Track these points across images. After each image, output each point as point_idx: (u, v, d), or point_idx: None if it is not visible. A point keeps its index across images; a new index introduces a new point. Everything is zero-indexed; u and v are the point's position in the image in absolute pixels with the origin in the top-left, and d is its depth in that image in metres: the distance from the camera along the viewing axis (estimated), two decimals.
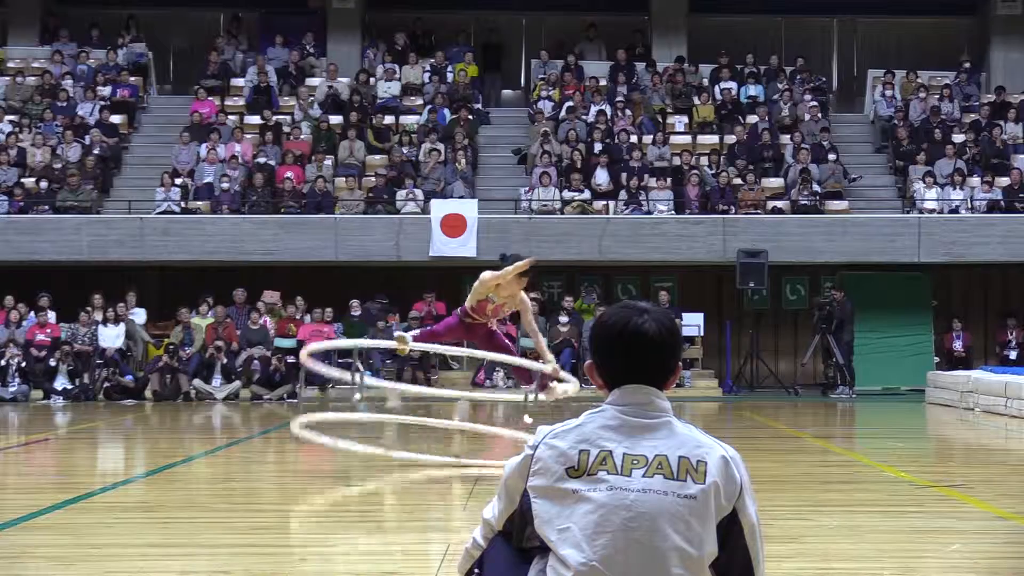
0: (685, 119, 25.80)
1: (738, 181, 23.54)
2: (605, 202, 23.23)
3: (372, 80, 26.35)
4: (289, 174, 23.39)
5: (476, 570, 3.42)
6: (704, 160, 24.35)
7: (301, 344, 21.47)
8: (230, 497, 9.27)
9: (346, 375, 10.86)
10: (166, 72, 29.47)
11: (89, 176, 23.34)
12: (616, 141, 24.55)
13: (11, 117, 25.14)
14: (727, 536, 3.20)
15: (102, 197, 23.63)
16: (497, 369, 21.38)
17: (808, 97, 25.96)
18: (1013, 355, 22.79)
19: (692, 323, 22.14)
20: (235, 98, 26.26)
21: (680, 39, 28.02)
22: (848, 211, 23.31)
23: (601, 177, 23.66)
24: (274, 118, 25.09)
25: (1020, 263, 22.72)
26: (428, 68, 26.70)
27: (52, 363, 20.70)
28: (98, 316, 21.57)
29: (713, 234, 22.36)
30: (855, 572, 6.30)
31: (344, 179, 23.53)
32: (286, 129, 24.95)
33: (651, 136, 24.80)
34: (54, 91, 25.72)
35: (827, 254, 22.47)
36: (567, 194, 23.09)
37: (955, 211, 23.07)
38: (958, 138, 24.86)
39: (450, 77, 26.47)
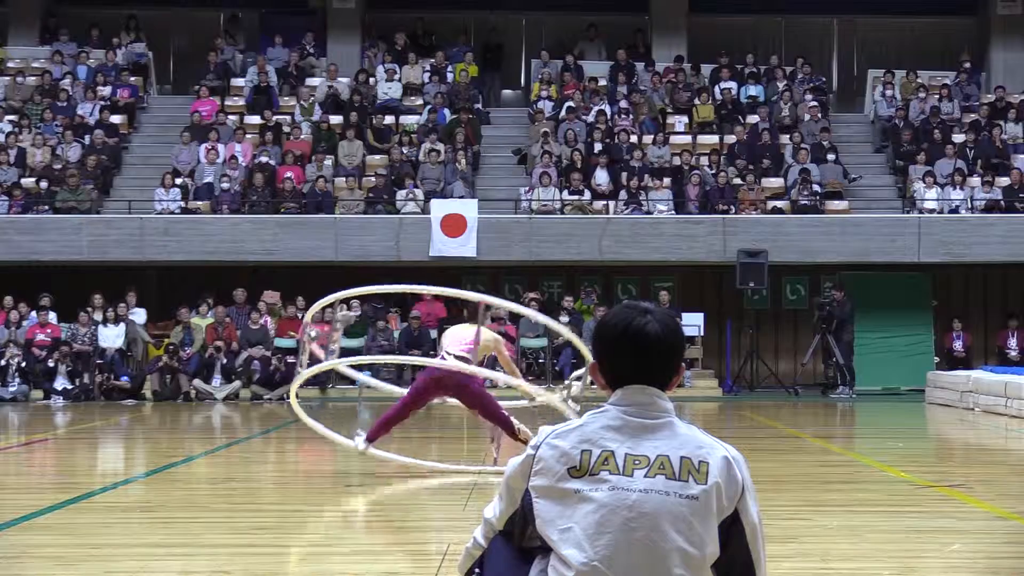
0: (685, 119, 25.80)
1: (738, 181, 23.55)
2: (605, 202, 23.23)
3: (372, 80, 26.35)
4: (289, 174, 23.40)
5: (477, 570, 3.42)
6: (704, 160, 24.35)
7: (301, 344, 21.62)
8: (230, 497, 9.26)
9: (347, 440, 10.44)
10: (166, 72, 29.48)
11: (89, 176, 23.35)
12: (616, 141, 24.56)
13: (11, 117, 25.16)
14: (729, 536, 3.20)
15: (102, 197, 23.63)
16: (498, 368, 21.36)
17: (808, 97, 25.97)
18: (1013, 355, 22.80)
19: (692, 323, 22.15)
20: (235, 98, 26.26)
21: (680, 39, 28.03)
22: (848, 211, 23.32)
23: (601, 177, 23.66)
24: (274, 118, 25.10)
25: (1020, 263, 22.72)
26: (428, 68, 26.71)
27: (51, 363, 20.69)
28: (98, 316, 21.57)
29: (713, 234, 22.36)
30: (855, 572, 6.30)
31: (344, 179, 23.53)
32: (286, 129, 24.95)
33: (651, 136, 24.81)
34: (54, 91, 25.72)
35: (827, 254, 22.47)
36: (567, 194, 23.09)
37: (955, 211, 23.07)
38: (958, 138, 24.86)
39: (450, 77, 26.48)
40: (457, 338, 10.11)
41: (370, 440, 10.14)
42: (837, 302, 21.82)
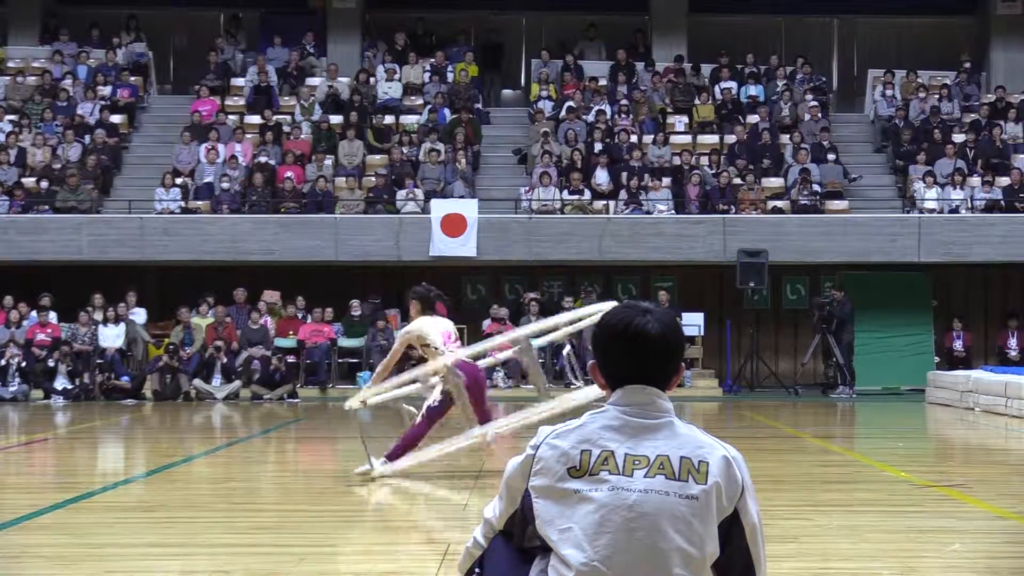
0: (685, 119, 25.81)
1: (738, 181, 23.55)
2: (605, 202, 23.23)
3: (372, 80, 26.36)
4: (289, 174, 23.40)
5: (477, 570, 3.42)
6: (704, 160, 24.35)
7: (301, 344, 21.65)
8: (230, 497, 9.26)
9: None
10: (166, 72, 29.48)
11: (89, 176, 23.34)
12: (616, 141, 24.56)
13: (11, 117, 25.15)
14: (728, 536, 3.20)
15: (102, 197, 23.63)
16: (497, 369, 21.39)
17: (808, 97, 25.97)
18: (1013, 355, 22.81)
19: (692, 323, 22.15)
20: (235, 98, 26.26)
21: (680, 39, 28.03)
22: (848, 211, 23.32)
23: (601, 177, 23.66)
24: (274, 118, 25.10)
25: (1020, 263, 22.73)
26: (428, 68, 26.71)
27: (51, 363, 20.69)
28: (98, 316, 21.57)
29: (713, 234, 22.36)
30: (855, 572, 6.30)
31: (344, 179, 23.53)
32: (286, 129, 24.95)
33: (651, 136, 24.81)
34: (54, 91, 25.72)
35: (827, 254, 22.47)
36: (567, 194, 23.09)
37: (955, 211, 23.07)
38: (958, 138, 24.86)
39: (450, 77, 26.48)
40: (447, 333, 10.08)
41: (391, 459, 9.89)
42: (837, 302, 21.82)
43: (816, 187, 23.42)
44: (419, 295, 10.33)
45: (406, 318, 21.63)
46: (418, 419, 9.89)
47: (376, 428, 10.53)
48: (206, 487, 9.99)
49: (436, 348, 9.91)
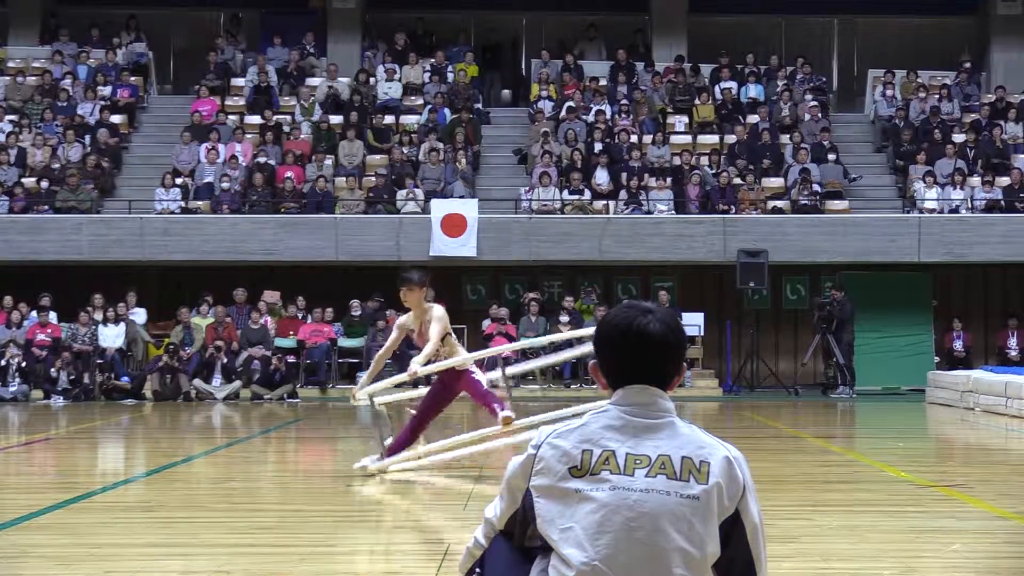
0: (685, 119, 25.80)
1: (738, 181, 23.55)
2: (605, 202, 23.23)
3: (372, 80, 26.36)
4: (289, 174, 23.40)
5: (477, 569, 3.42)
6: (704, 160, 24.35)
7: (301, 344, 21.65)
8: (230, 497, 9.26)
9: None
10: (166, 72, 29.47)
11: (89, 176, 23.34)
12: (616, 141, 24.56)
13: (11, 117, 25.15)
14: (729, 536, 3.20)
15: (102, 197, 23.63)
16: (497, 368, 21.35)
17: (808, 97, 25.96)
18: (1013, 355, 22.81)
19: (692, 323, 22.14)
20: (235, 98, 26.26)
21: (680, 39, 28.03)
22: (848, 211, 23.32)
23: (601, 177, 23.67)
24: (274, 118, 25.10)
25: (1020, 263, 22.73)
26: (428, 68, 26.71)
27: (53, 372, 20.64)
28: (98, 316, 21.57)
29: (713, 234, 22.36)
30: (855, 572, 6.30)
31: (344, 179, 23.54)
32: (286, 129, 24.95)
33: (651, 136, 24.81)
34: (54, 91, 25.72)
35: (827, 254, 22.48)
36: (567, 194, 23.09)
37: (955, 211, 23.08)
38: (958, 138, 24.86)
39: (450, 77, 26.48)
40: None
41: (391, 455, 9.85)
42: (837, 302, 21.82)
43: (816, 187, 23.43)
44: (421, 281, 10.05)
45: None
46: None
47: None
48: (206, 487, 9.99)
49: (455, 340, 9.94)
